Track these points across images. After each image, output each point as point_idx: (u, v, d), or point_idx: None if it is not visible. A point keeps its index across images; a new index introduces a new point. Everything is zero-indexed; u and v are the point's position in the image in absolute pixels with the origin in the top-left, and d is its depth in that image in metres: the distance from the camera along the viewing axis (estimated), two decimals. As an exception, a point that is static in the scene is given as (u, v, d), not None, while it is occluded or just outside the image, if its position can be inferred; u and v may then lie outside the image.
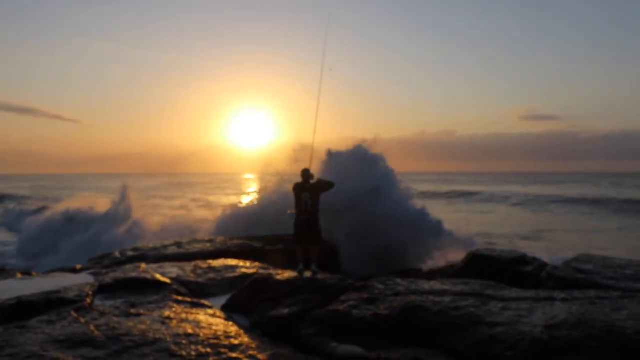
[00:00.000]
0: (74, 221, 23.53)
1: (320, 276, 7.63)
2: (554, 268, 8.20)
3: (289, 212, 8.20)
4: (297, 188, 8.18)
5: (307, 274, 7.74)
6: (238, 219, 18.13)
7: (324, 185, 8.31)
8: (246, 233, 15.08)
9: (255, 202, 19.01)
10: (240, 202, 20.82)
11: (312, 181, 8.24)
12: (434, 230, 15.88)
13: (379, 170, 16.94)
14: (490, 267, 9.25)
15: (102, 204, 25.05)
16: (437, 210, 18.78)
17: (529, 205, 33.20)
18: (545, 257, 10.77)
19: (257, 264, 9.80)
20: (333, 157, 16.73)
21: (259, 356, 4.79)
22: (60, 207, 26.37)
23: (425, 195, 43.60)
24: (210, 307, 6.63)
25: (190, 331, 5.31)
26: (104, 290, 7.19)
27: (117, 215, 22.08)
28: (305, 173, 8.26)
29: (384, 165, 17.23)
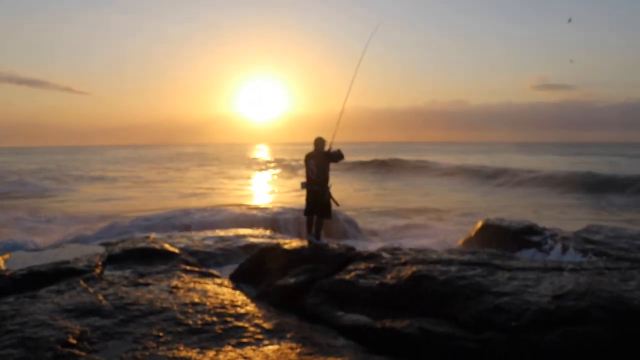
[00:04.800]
0: None
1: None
2: (564, 238, 8.14)
3: (301, 182, 8.08)
4: (306, 156, 8.04)
5: None
6: None
7: (331, 155, 7.98)
8: None
9: None
10: None
11: (326, 149, 7.96)
12: None
13: None
14: (500, 237, 9.21)
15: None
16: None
17: (539, 176, 32.75)
18: (555, 228, 10.64)
19: (267, 232, 9.83)
20: None
21: (265, 325, 4.82)
22: None
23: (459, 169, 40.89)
24: (217, 277, 6.67)
25: (197, 300, 5.35)
26: (113, 260, 7.25)
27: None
28: (317, 141, 8.02)
29: None
